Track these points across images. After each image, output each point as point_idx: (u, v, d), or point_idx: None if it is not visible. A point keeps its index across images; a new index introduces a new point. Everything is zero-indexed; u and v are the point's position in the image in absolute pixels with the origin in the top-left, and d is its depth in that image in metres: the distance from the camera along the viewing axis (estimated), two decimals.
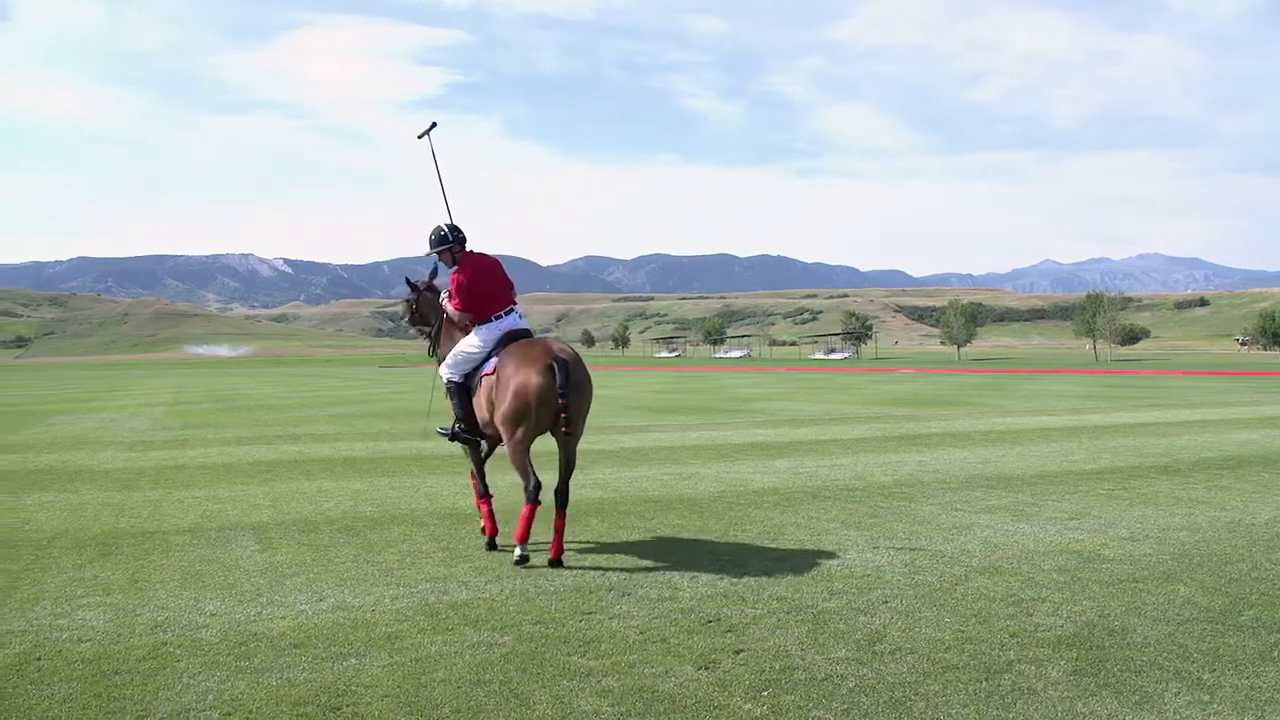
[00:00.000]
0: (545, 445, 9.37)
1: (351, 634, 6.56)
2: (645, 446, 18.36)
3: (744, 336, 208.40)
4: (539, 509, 8.61)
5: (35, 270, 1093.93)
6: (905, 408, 29.36)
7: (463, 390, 9.45)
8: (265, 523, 10.85)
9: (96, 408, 34.79)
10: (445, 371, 9.51)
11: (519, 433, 8.57)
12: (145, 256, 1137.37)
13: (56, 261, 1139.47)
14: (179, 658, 6.10)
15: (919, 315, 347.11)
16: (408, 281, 10.33)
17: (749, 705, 5.24)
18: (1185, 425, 22.64)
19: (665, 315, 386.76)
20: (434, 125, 8.19)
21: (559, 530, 8.60)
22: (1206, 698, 5.29)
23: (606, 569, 8.40)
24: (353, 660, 6.01)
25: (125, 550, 9.39)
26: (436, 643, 6.34)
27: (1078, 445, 18.23)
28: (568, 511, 8.74)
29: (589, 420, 9.28)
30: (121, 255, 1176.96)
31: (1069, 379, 56.58)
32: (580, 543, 9.37)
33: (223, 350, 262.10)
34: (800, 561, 8.56)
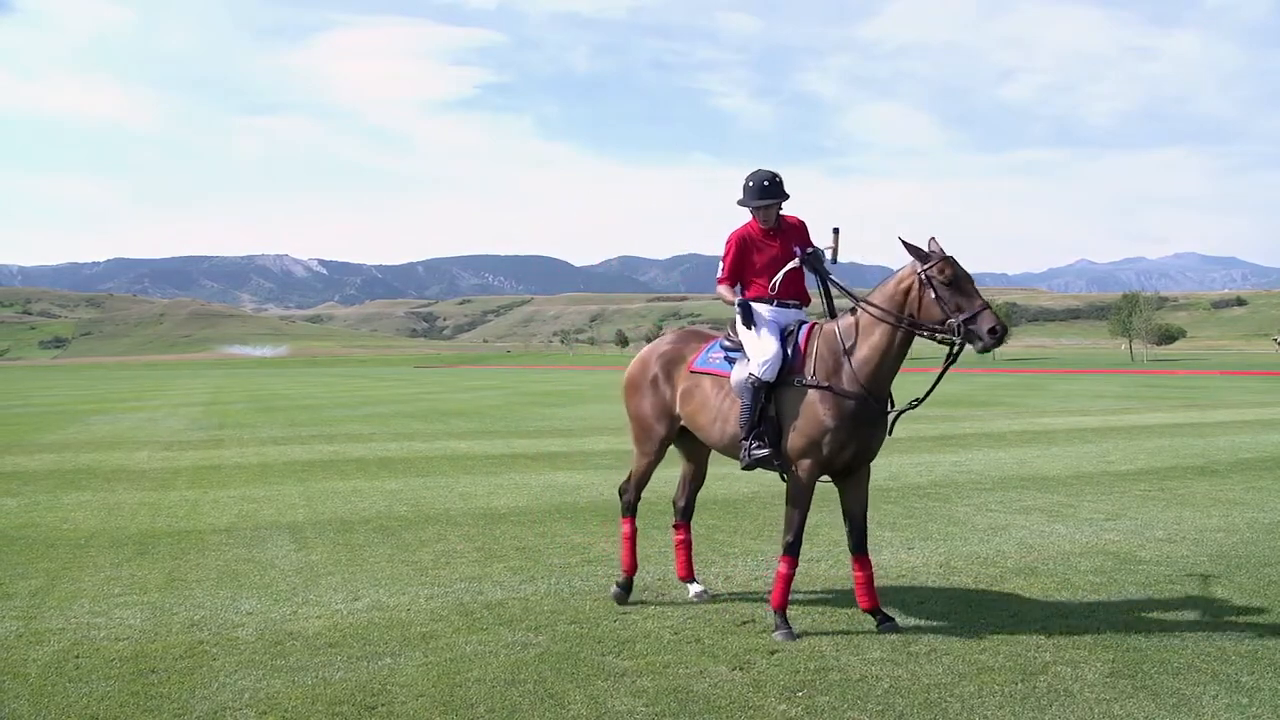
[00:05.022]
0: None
1: (386, 633, 6.59)
2: None
3: None
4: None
5: (72, 271, 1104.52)
6: (940, 408, 29.22)
7: None
8: (300, 522, 10.91)
9: (133, 408, 35.10)
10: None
11: None
12: (181, 257, 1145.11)
13: (93, 262, 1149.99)
14: (215, 656, 6.14)
15: None
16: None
17: (784, 706, 5.23)
18: (1222, 426, 22.43)
19: (700, 315, 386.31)
20: (836, 230, 7.62)
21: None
22: (1245, 700, 5.23)
23: (641, 569, 8.39)
24: (388, 660, 6.03)
25: (162, 549, 9.47)
26: (471, 642, 6.36)
27: (1114, 446, 18.10)
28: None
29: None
30: (157, 256, 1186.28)
31: (1105, 379, 56.16)
32: (614, 543, 9.36)
33: (262, 350, 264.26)
34: (834, 562, 8.54)
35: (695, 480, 7.90)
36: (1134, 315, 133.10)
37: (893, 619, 6.68)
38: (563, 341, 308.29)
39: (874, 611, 6.72)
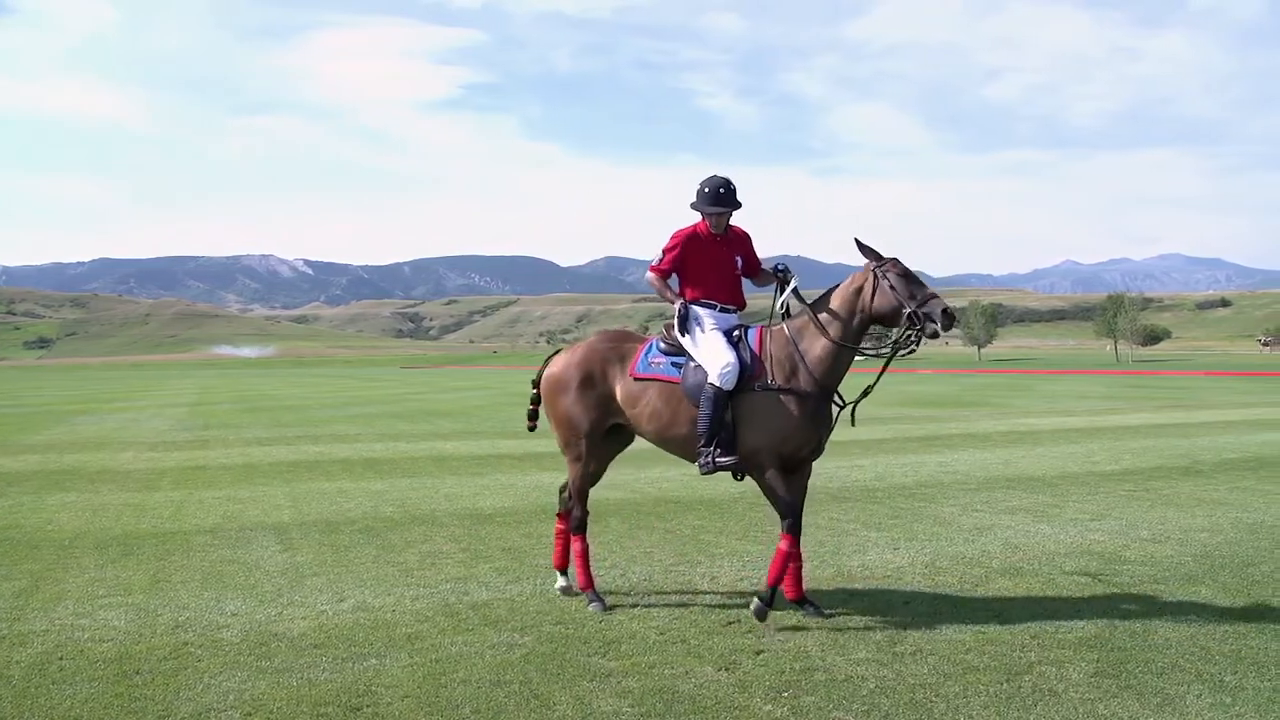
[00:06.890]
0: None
1: (372, 634, 6.58)
2: None
3: None
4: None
5: (57, 271, 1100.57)
6: (926, 408, 29.27)
7: None
8: (286, 523, 10.88)
9: (119, 408, 34.97)
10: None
11: None
12: (166, 257, 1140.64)
13: (78, 262, 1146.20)
14: (200, 658, 6.12)
15: None
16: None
17: (769, 706, 5.23)
18: (1207, 426, 22.51)
19: None
20: (786, 269, 7.65)
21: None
22: (1229, 700, 5.25)
23: (626, 570, 8.40)
24: (373, 661, 6.02)
25: (146, 550, 9.43)
26: (457, 643, 6.35)
27: (1099, 446, 18.15)
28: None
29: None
30: (143, 256, 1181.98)
31: (1090, 380, 56.35)
32: (600, 544, 9.34)
33: (249, 351, 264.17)
34: (821, 563, 8.54)
35: (594, 478, 7.75)
36: (1119, 316, 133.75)
37: (766, 600, 6.77)
38: (549, 342, 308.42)
39: (771, 590, 6.81)
